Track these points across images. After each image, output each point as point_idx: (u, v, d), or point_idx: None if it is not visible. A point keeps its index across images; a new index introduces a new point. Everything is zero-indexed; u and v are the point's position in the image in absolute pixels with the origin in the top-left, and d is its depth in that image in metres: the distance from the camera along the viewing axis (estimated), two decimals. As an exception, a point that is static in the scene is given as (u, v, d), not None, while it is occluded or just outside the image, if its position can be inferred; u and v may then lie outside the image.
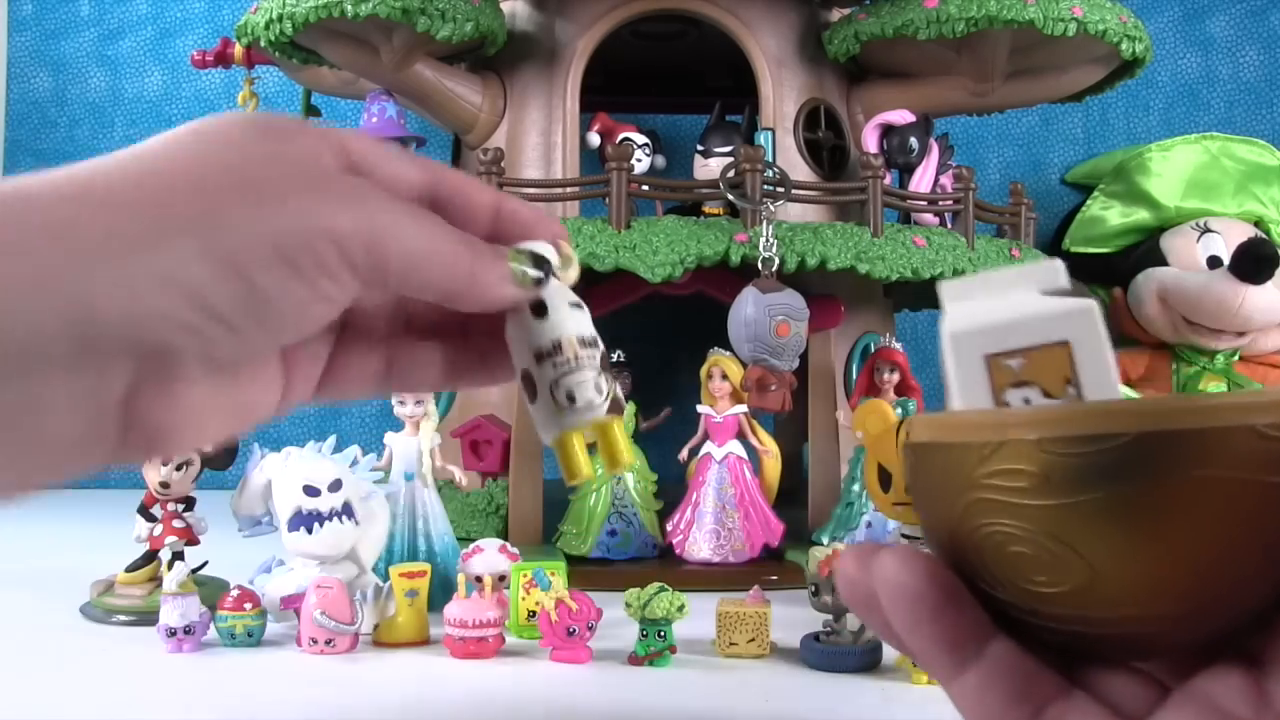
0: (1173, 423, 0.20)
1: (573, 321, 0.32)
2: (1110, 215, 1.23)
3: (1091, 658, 0.23)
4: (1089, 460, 0.20)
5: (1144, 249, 1.20)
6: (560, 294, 0.32)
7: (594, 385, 0.32)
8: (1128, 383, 1.16)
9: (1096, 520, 0.20)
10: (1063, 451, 0.20)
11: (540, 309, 0.32)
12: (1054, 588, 0.21)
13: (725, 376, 0.81)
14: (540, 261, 0.31)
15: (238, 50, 1.14)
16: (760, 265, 0.78)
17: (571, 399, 0.31)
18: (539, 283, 0.31)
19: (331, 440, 0.70)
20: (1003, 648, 0.23)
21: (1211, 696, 0.22)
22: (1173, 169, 1.21)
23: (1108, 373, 0.22)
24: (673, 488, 0.85)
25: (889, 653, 0.60)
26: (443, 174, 0.32)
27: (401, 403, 0.74)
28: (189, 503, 0.72)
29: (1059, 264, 0.24)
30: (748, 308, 0.77)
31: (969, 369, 0.23)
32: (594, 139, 0.93)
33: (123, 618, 0.69)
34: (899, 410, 0.74)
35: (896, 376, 0.84)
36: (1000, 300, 0.24)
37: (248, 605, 0.64)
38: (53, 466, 0.25)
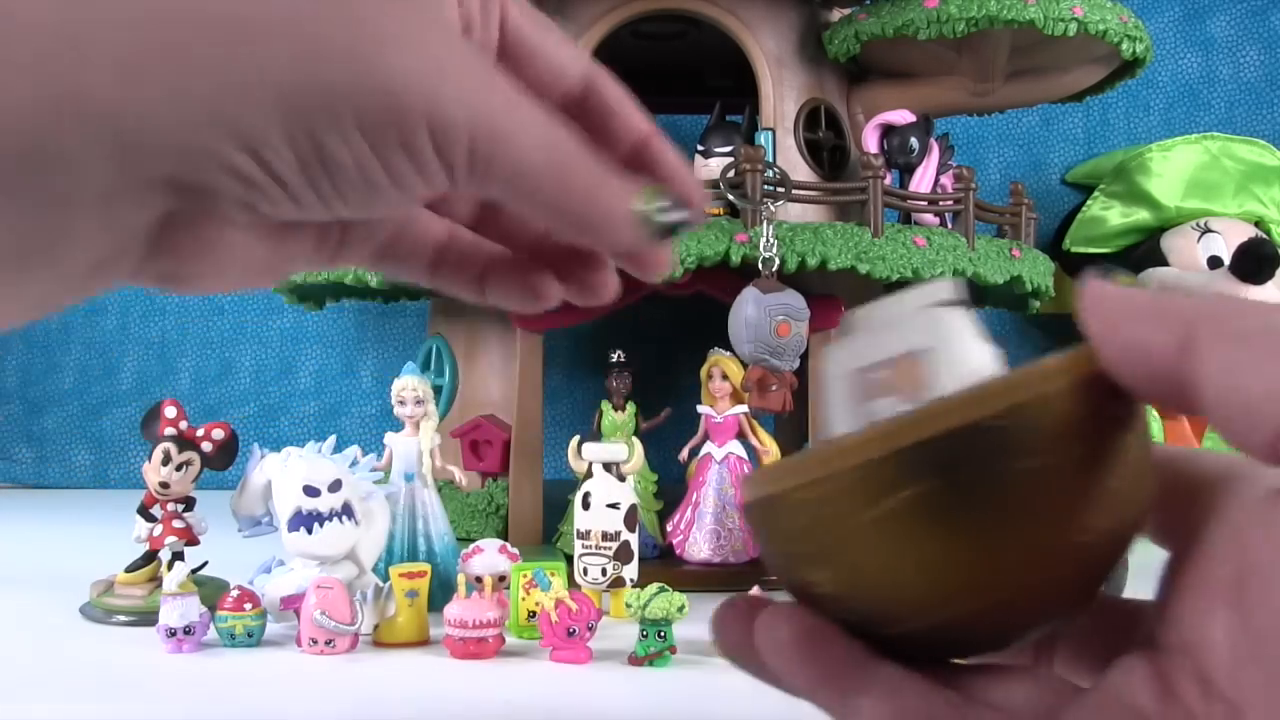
0: (916, 435, 0.20)
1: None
2: (1110, 215, 1.23)
3: (938, 658, 0.23)
4: (857, 491, 0.20)
5: (1144, 249, 1.20)
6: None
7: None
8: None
9: (877, 544, 0.21)
10: (831, 489, 0.21)
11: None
12: (868, 615, 0.22)
13: (725, 376, 0.81)
14: (673, 212, 0.26)
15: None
16: (760, 265, 0.78)
17: None
18: (665, 236, 0.27)
19: (331, 440, 0.70)
20: (889, 673, 0.22)
21: (1118, 691, 0.21)
22: (1173, 169, 1.21)
23: (966, 376, 0.23)
24: (673, 488, 0.85)
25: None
26: (601, 81, 0.27)
27: (401, 403, 0.74)
28: (189, 503, 0.72)
29: (952, 281, 0.25)
30: (748, 308, 0.77)
31: (841, 388, 0.25)
32: (594, 139, 0.93)
33: (123, 618, 0.69)
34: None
35: (897, 376, 0.84)
36: (882, 322, 0.25)
37: (248, 605, 0.64)
38: (73, 288, 0.22)
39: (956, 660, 0.24)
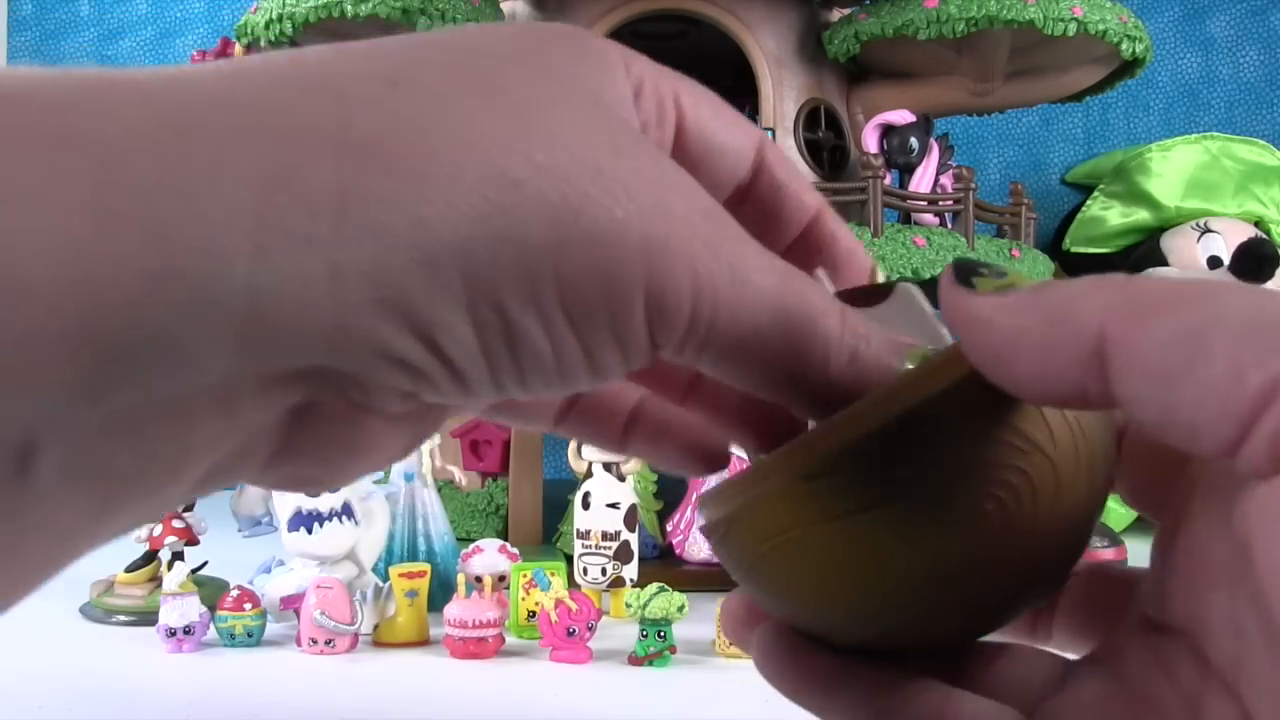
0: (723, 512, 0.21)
1: None
2: (1110, 215, 1.23)
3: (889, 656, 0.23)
4: (759, 509, 0.20)
5: (1144, 249, 1.20)
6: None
7: None
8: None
9: (788, 559, 0.21)
10: (745, 514, 0.21)
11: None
12: (811, 626, 0.22)
13: (725, 376, 0.81)
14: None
15: (237, 50, 1.13)
16: (760, 265, 0.78)
17: None
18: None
19: (331, 440, 0.70)
20: (864, 681, 0.22)
21: (1112, 668, 0.21)
22: (1173, 169, 1.21)
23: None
24: (673, 488, 0.85)
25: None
26: (770, 154, 0.22)
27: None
28: (189, 503, 0.72)
29: (913, 285, 0.24)
30: (748, 308, 0.77)
31: None
32: (594, 139, 0.93)
33: (123, 618, 0.69)
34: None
35: (896, 376, 0.85)
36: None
37: (248, 605, 0.64)
38: (178, 500, 0.18)
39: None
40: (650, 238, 0.17)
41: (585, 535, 0.71)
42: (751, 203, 0.23)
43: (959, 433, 0.19)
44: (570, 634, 0.60)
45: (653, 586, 0.61)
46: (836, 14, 1.00)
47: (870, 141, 0.92)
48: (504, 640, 0.63)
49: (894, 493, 0.19)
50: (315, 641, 0.62)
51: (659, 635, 0.60)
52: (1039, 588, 0.22)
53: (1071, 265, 1.23)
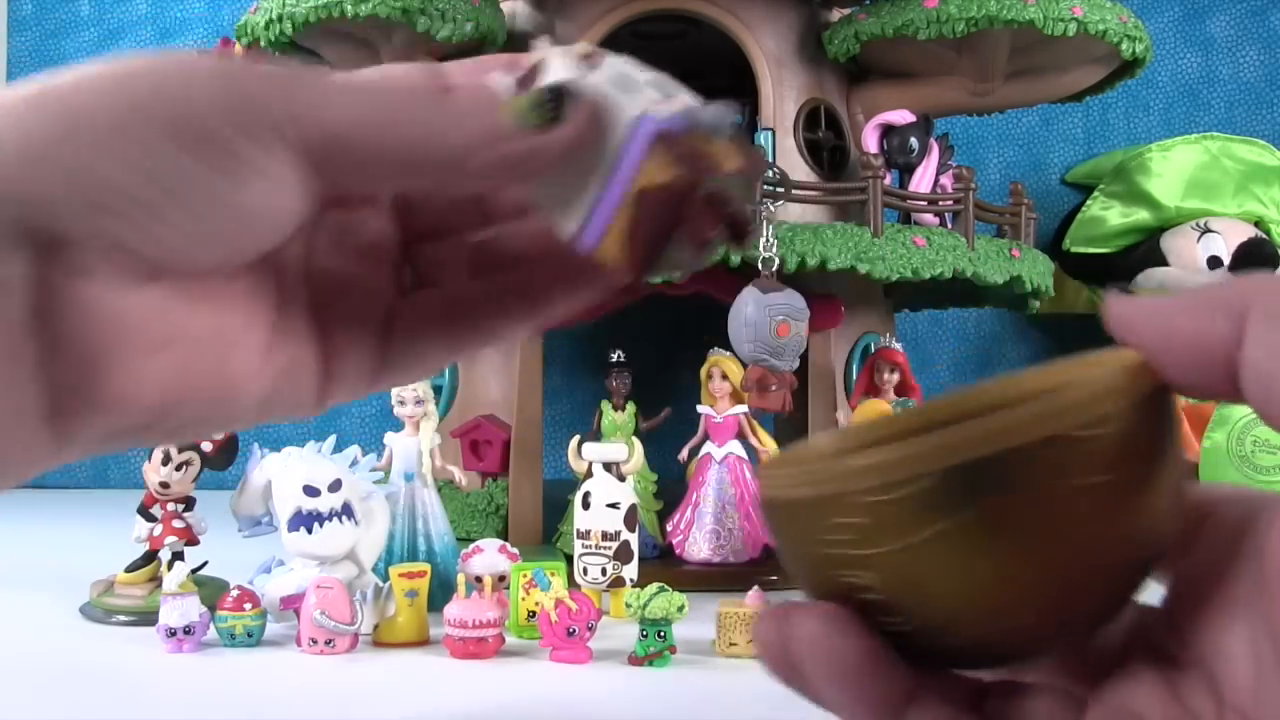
0: (975, 451, 0.20)
1: None
2: (1110, 215, 1.23)
3: (967, 666, 0.23)
4: (907, 503, 0.20)
5: (1144, 249, 1.20)
6: None
7: None
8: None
9: (930, 557, 0.20)
10: (882, 498, 0.20)
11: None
12: (913, 624, 0.21)
13: (725, 376, 0.81)
14: (554, 87, 0.24)
15: (237, 50, 1.13)
16: (760, 265, 0.78)
17: None
18: (554, 107, 0.24)
19: (331, 440, 0.70)
20: (922, 711, 0.22)
21: (1127, 703, 0.21)
22: (1173, 169, 1.21)
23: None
24: (673, 488, 0.85)
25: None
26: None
27: (401, 403, 0.74)
28: (189, 503, 0.72)
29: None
30: (748, 308, 0.77)
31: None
32: (594, 139, 0.93)
33: (123, 618, 0.69)
34: (899, 410, 0.74)
35: (896, 377, 0.85)
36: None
37: (248, 605, 0.64)
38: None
39: (981, 671, 0.24)
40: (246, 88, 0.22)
41: (585, 535, 0.71)
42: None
43: (1120, 452, 0.20)
44: (570, 634, 0.60)
45: (653, 586, 0.61)
46: (836, 14, 1.00)
47: (870, 141, 0.92)
48: (504, 640, 0.63)
49: (1044, 500, 0.20)
50: (315, 641, 0.62)
51: (659, 635, 0.60)
52: (1111, 612, 0.22)
53: (1071, 265, 1.24)
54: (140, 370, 0.23)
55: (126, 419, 0.23)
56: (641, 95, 0.24)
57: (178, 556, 0.70)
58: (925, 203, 0.91)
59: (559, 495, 0.84)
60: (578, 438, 0.76)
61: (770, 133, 0.92)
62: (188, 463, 0.71)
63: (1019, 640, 0.22)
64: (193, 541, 0.72)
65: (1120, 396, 0.20)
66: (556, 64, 0.24)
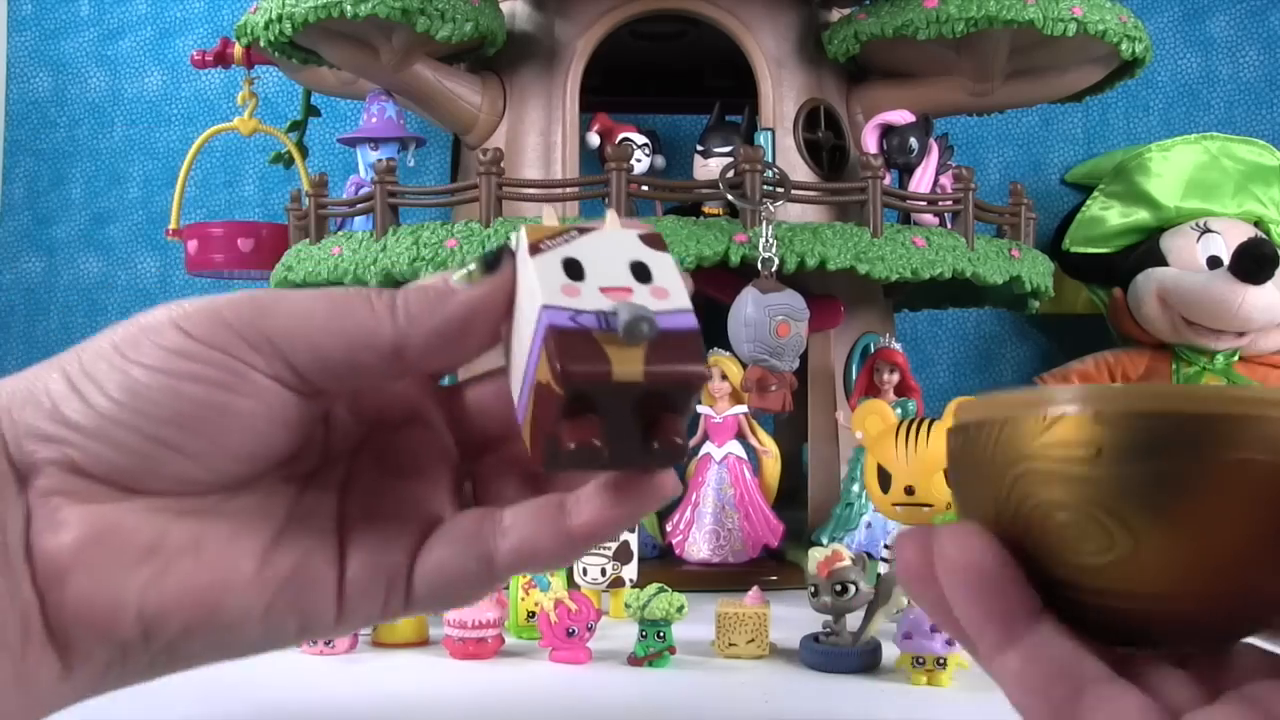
0: (1217, 408, 0.21)
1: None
2: (1110, 215, 1.23)
3: (1127, 640, 0.24)
4: (1141, 437, 0.22)
5: (1144, 249, 1.20)
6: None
7: None
8: (1127, 383, 1.16)
9: (1142, 493, 0.22)
10: (1117, 427, 0.22)
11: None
12: (1097, 558, 0.22)
13: (725, 376, 0.81)
14: (491, 253, 0.25)
15: (237, 50, 1.14)
16: (760, 265, 0.78)
17: None
18: (494, 266, 0.25)
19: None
20: (1050, 629, 0.23)
21: (1265, 702, 0.22)
22: (1173, 169, 1.21)
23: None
24: (672, 488, 0.85)
25: (888, 653, 0.60)
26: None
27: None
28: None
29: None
30: (748, 308, 0.77)
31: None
32: (594, 139, 0.93)
33: (122, 618, 0.69)
34: (898, 411, 0.74)
35: (896, 377, 0.85)
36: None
37: (247, 605, 0.64)
38: None
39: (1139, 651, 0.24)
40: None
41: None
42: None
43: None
44: (570, 634, 0.60)
45: (652, 587, 0.61)
46: (836, 14, 1.00)
47: (870, 141, 0.92)
48: (503, 641, 0.63)
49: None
50: (315, 641, 0.62)
51: (658, 636, 0.60)
52: None
53: (1071, 265, 1.23)
54: (113, 579, 0.24)
55: (114, 635, 0.25)
56: (589, 279, 0.24)
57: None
58: (925, 203, 0.91)
59: (559, 495, 0.83)
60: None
61: (770, 133, 0.92)
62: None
63: (1181, 607, 0.22)
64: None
65: None
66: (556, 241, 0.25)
